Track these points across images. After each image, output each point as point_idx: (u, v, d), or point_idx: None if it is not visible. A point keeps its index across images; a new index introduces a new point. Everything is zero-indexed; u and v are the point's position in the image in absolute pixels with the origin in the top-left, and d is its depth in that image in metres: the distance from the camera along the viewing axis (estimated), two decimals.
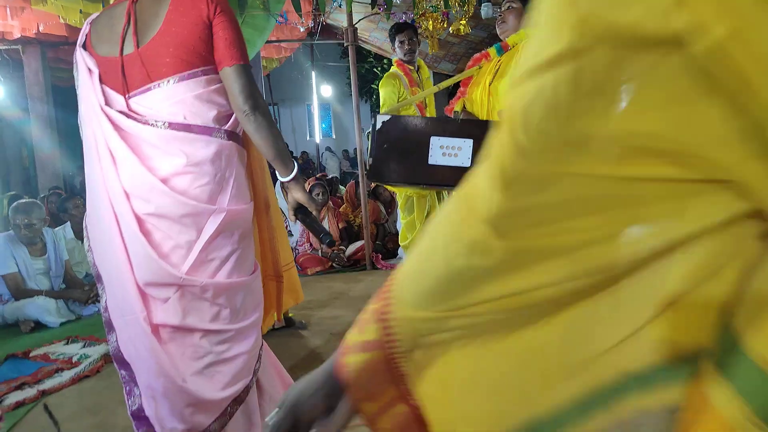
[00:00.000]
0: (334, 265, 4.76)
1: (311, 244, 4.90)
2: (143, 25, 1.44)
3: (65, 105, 9.30)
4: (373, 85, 10.56)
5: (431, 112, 3.70)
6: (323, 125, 11.78)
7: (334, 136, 11.98)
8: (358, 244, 4.94)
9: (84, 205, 4.21)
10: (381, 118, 2.18)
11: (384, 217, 5.37)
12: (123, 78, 1.44)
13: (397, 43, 3.66)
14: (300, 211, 1.54)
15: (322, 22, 6.18)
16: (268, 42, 6.44)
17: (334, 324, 3.19)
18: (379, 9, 5.05)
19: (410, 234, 3.77)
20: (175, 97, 1.43)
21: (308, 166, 6.96)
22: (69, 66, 8.63)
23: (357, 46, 6.56)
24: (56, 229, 4.02)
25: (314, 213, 1.53)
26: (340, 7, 4.90)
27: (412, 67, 3.67)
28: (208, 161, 1.45)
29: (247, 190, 1.59)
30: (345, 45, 4.81)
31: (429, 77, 3.81)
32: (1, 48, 7.17)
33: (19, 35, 6.82)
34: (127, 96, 1.45)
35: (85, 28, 1.53)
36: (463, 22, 4.21)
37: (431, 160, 2.11)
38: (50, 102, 8.08)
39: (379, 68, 10.04)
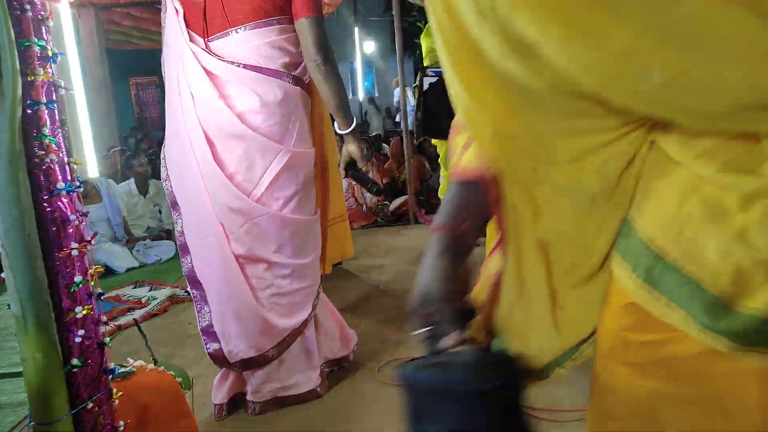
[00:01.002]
0: (378, 219, 4.89)
1: (356, 199, 5.03)
2: None
3: (118, 67, 9.63)
4: (416, 40, 10.39)
5: None
6: (366, 83, 11.74)
7: (376, 94, 11.95)
8: (402, 198, 5.04)
9: (147, 164, 4.46)
10: (427, 81, 2.24)
11: (429, 174, 5.42)
12: (204, 22, 1.56)
13: None
14: (351, 165, 1.67)
15: None
16: None
17: (380, 272, 3.33)
18: None
19: None
20: (250, 43, 1.55)
21: None
22: (121, 28, 8.80)
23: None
24: (121, 183, 4.29)
25: (364, 168, 1.67)
26: None
27: None
28: (278, 102, 1.57)
29: (309, 136, 1.70)
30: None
31: None
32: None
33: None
34: (206, 39, 1.57)
35: None
36: None
37: None
38: (104, 63, 8.37)
39: (422, 22, 9.85)
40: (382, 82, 12.12)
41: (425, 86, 2.30)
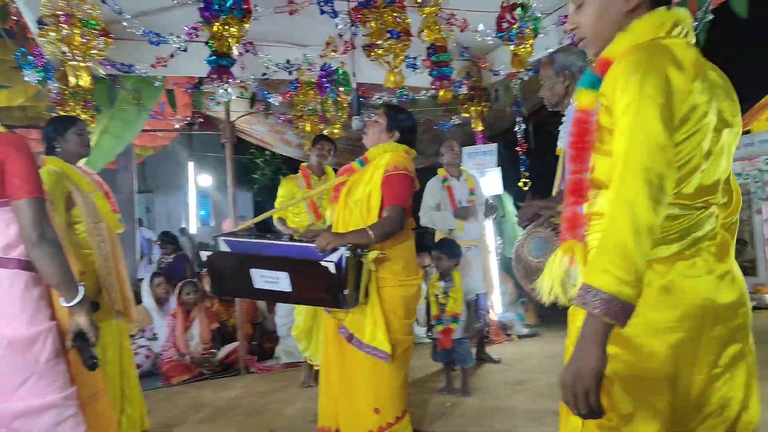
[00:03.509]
0: (203, 371, 4.42)
1: (178, 349, 4.53)
2: None
3: None
4: (254, 175, 10.54)
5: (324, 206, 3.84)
6: (202, 213, 11.39)
7: (212, 224, 11.58)
8: (232, 346, 4.66)
9: None
10: (204, 254, 2.34)
11: (262, 315, 5.15)
12: None
13: (315, 149, 3.95)
14: (80, 336, 1.59)
15: (201, 115, 6.14)
16: (143, 131, 6.23)
17: None
18: (258, 109, 5.15)
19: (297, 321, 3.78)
20: None
21: (181, 260, 6.49)
22: None
23: (239, 137, 6.56)
24: None
25: (92, 339, 1.60)
26: (218, 104, 4.93)
27: (316, 177, 3.93)
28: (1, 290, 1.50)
29: (40, 312, 1.59)
30: (222, 141, 4.79)
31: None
32: None
33: None
34: None
35: None
36: (338, 126, 4.43)
37: (257, 286, 2.25)
38: None
39: (261, 159, 10.09)
40: (220, 212, 11.87)
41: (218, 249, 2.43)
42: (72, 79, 2.93)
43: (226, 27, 3.06)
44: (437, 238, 4.17)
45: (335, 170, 3.67)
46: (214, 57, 3.24)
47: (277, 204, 3.92)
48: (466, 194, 4.21)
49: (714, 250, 1.13)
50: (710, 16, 3.14)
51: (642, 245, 0.98)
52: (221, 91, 3.34)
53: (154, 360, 4.56)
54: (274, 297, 2.39)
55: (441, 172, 4.26)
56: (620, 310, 0.98)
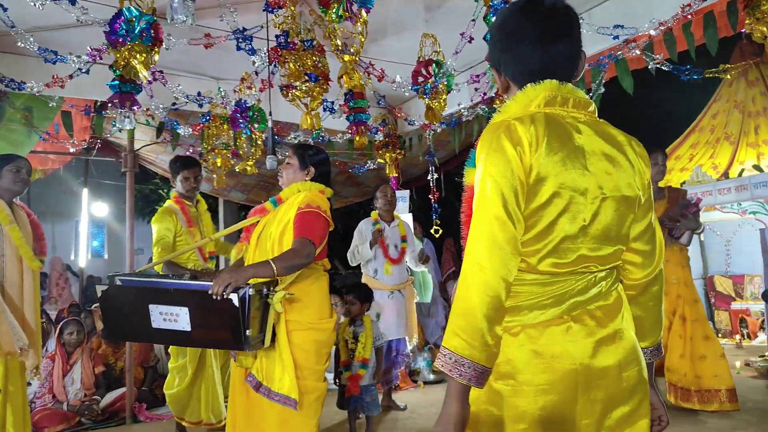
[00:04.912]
0: (83, 420, 3.99)
1: (55, 396, 4.07)
2: None
3: None
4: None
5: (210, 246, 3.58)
6: (95, 243, 10.51)
7: (106, 257, 10.69)
8: (119, 392, 4.26)
9: None
10: (100, 288, 2.20)
11: (155, 358, 4.78)
12: None
13: (180, 178, 3.55)
14: None
15: (100, 140, 5.75)
16: (33, 152, 5.71)
17: None
18: (165, 139, 4.92)
19: (180, 380, 3.37)
20: None
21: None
22: None
23: (142, 166, 6.20)
24: None
25: None
26: (120, 132, 4.64)
27: (190, 203, 3.57)
28: None
29: None
30: (123, 171, 4.50)
31: (206, 209, 3.75)
32: None
33: None
34: None
35: None
36: (250, 163, 4.32)
37: (155, 324, 2.11)
38: None
39: (166, 190, 9.60)
40: (117, 243, 11.02)
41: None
42: None
43: (133, 53, 2.91)
44: (364, 280, 4.16)
45: (248, 208, 3.51)
46: (117, 82, 3.07)
47: (158, 243, 3.34)
48: (397, 240, 4.24)
49: (600, 314, 1.13)
50: (602, 90, 3.48)
51: (487, 311, 1.04)
52: (123, 118, 3.15)
53: None
54: (172, 339, 2.24)
55: (374, 215, 4.30)
56: (473, 372, 1.04)
